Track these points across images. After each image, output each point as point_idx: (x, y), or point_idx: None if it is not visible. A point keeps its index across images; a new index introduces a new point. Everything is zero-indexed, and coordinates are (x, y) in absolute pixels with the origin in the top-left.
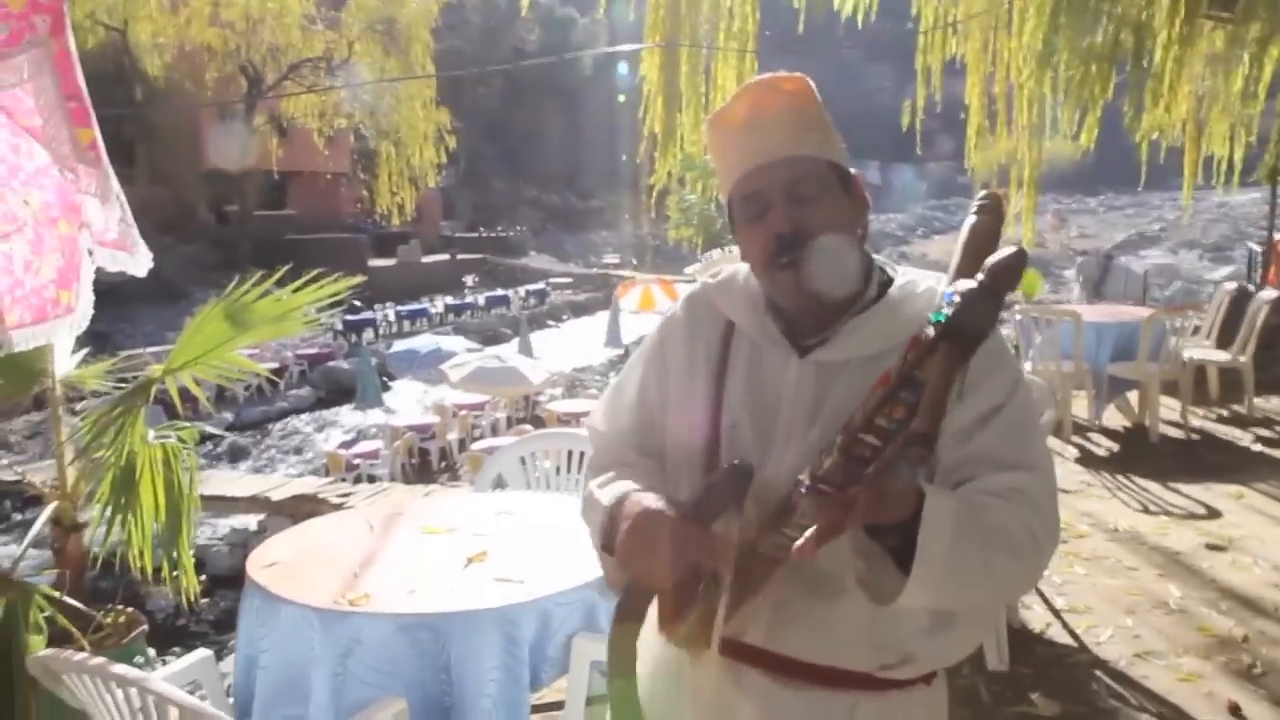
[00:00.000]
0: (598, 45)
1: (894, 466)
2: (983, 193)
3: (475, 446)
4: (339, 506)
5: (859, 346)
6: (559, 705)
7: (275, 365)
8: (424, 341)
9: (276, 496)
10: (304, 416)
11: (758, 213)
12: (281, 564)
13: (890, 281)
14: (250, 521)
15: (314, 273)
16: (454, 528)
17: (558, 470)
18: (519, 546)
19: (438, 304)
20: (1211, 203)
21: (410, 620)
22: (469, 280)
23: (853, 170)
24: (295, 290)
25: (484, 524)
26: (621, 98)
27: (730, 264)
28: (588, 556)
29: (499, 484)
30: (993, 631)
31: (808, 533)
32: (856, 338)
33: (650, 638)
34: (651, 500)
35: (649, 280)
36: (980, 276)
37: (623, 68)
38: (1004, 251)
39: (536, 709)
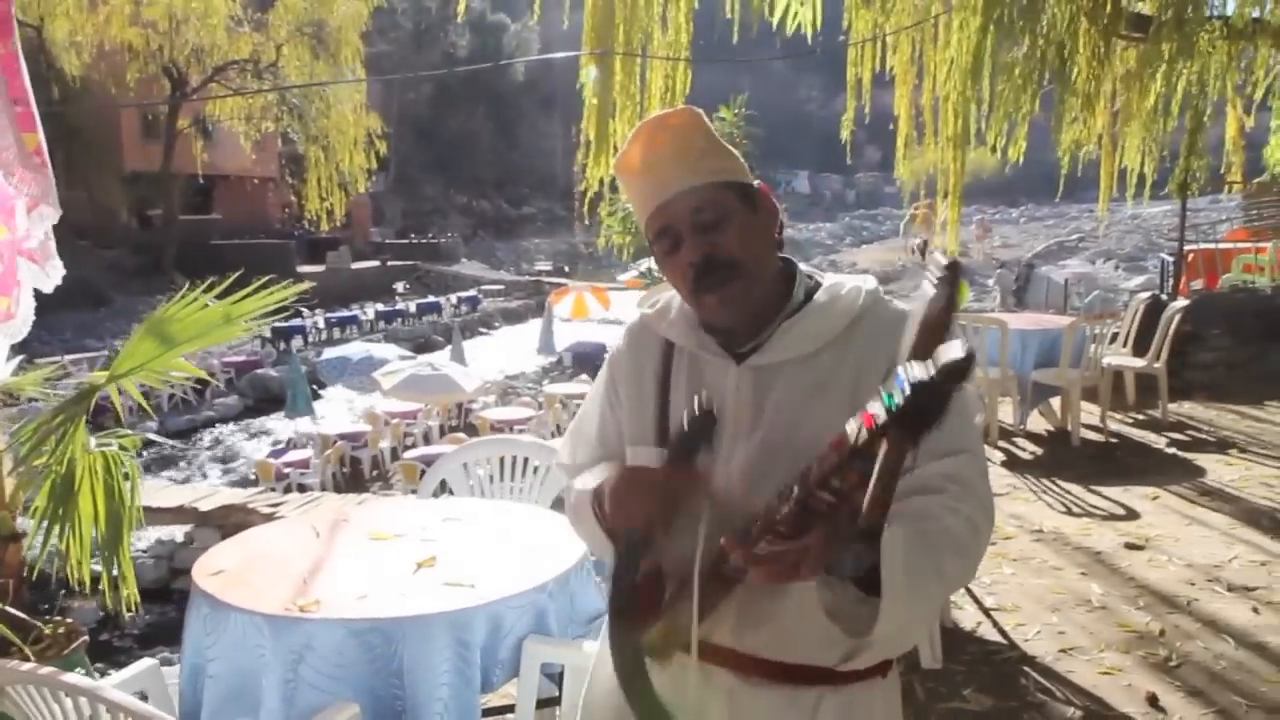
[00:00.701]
0: (529, 52)
1: (841, 558)
2: (944, 260)
3: (408, 455)
4: (270, 517)
5: (792, 349)
6: (509, 709)
7: (202, 373)
8: (355, 349)
9: (205, 507)
10: (231, 425)
11: (670, 246)
12: (228, 572)
13: (816, 286)
14: (177, 533)
15: (265, 278)
16: (401, 534)
17: (501, 477)
18: (467, 551)
19: (368, 311)
20: (1125, 214)
21: (362, 625)
22: (400, 287)
23: (755, 182)
24: (244, 296)
25: (431, 530)
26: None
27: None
28: (536, 561)
29: (442, 490)
30: (927, 632)
31: (768, 566)
32: (789, 340)
33: (603, 649)
34: (621, 464)
35: (582, 288)
36: (933, 371)
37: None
38: (956, 349)
39: (487, 712)
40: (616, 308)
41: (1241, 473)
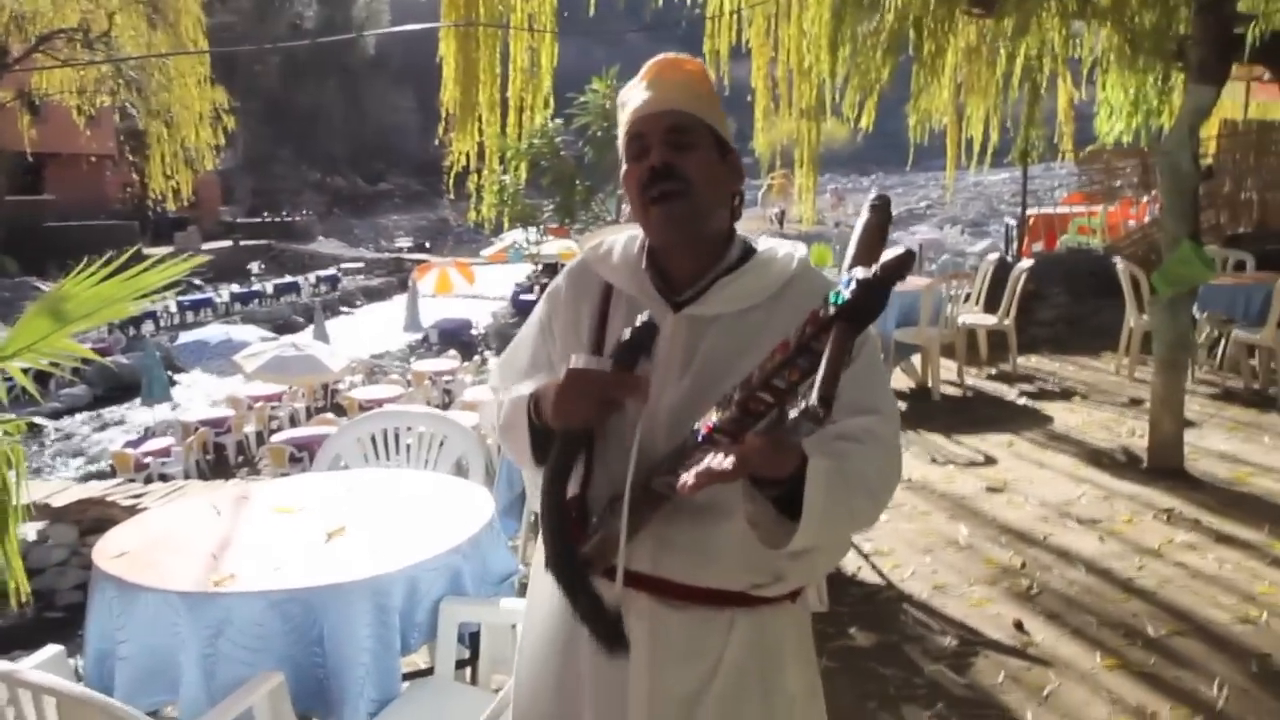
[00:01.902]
0: (380, 24)
1: (797, 423)
2: (874, 195)
3: (275, 438)
4: (131, 509)
5: (728, 303)
6: (428, 671)
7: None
8: (213, 332)
9: (58, 502)
10: (81, 416)
11: (638, 153)
12: (132, 553)
13: (752, 249)
14: (28, 531)
15: (160, 254)
16: (304, 507)
17: (397, 449)
18: (376, 519)
19: (223, 293)
20: (968, 182)
21: (281, 596)
22: (255, 267)
23: (732, 145)
24: (138, 273)
25: (336, 501)
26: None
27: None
28: (447, 524)
29: (336, 465)
30: (830, 567)
31: (695, 469)
32: (726, 294)
33: (538, 574)
34: (572, 361)
35: (445, 263)
36: (875, 269)
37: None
38: (896, 250)
39: (406, 675)
40: (481, 283)
41: (1083, 418)
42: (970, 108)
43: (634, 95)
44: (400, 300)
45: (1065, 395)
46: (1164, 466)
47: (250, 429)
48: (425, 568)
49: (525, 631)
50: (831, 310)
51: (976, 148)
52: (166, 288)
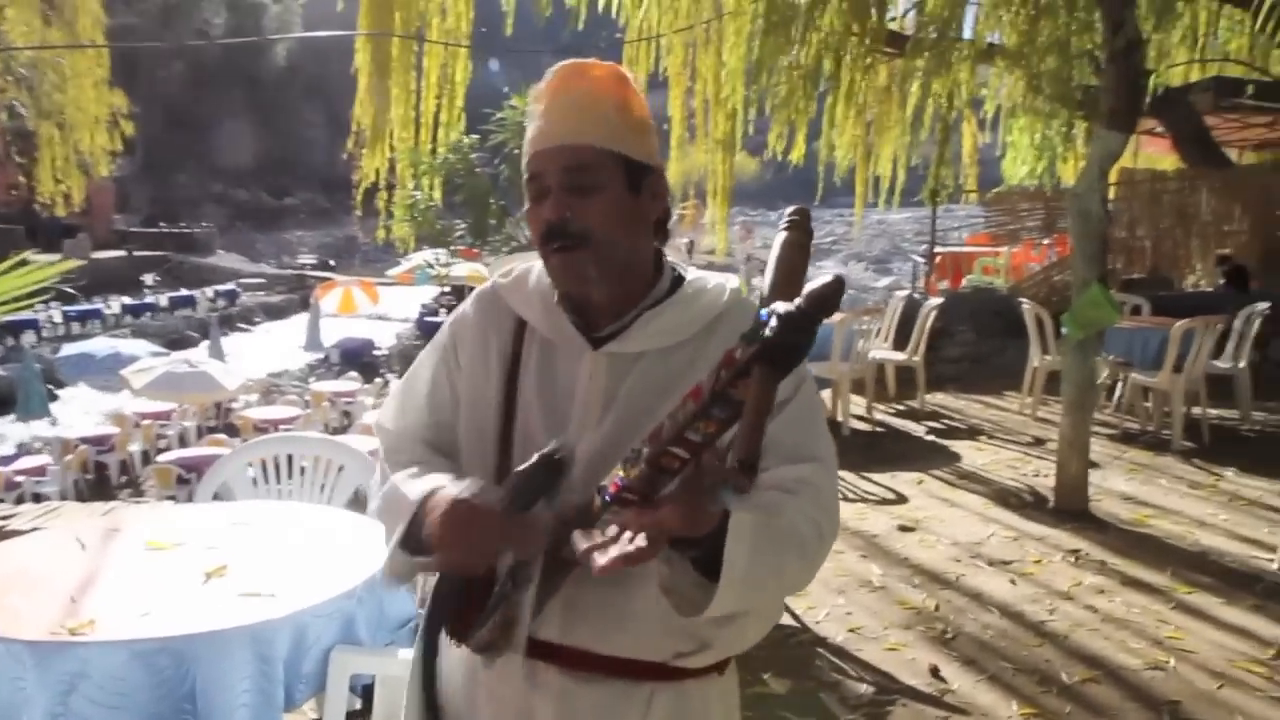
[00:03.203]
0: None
1: (716, 490)
2: (791, 208)
3: (162, 458)
4: None
5: (653, 339)
6: None
7: None
8: (100, 345)
9: None
10: None
11: (537, 194)
12: None
13: (681, 278)
14: None
15: (17, 256)
16: (183, 542)
17: (290, 476)
18: (262, 558)
19: (113, 304)
20: (872, 220)
21: (147, 646)
22: (149, 279)
23: (652, 165)
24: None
25: (218, 536)
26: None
27: (521, 261)
28: (341, 565)
29: (223, 494)
30: (761, 635)
31: (613, 551)
32: (650, 330)
33: (442, 643)
34: (464, 491)
35: (349, 282)
36: (799, 301)
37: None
38: (823, 278)
39: None
40: (386, 303)
41: (990, 457)
42: (879, 146)
43: (531, 117)
44: (301, 319)
45: (972, 433)
46: (1070, 508)
47: (135, 448)
48: (315, 613)
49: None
50: (750, 351)
51: (885, 185)
52: (28, 296)
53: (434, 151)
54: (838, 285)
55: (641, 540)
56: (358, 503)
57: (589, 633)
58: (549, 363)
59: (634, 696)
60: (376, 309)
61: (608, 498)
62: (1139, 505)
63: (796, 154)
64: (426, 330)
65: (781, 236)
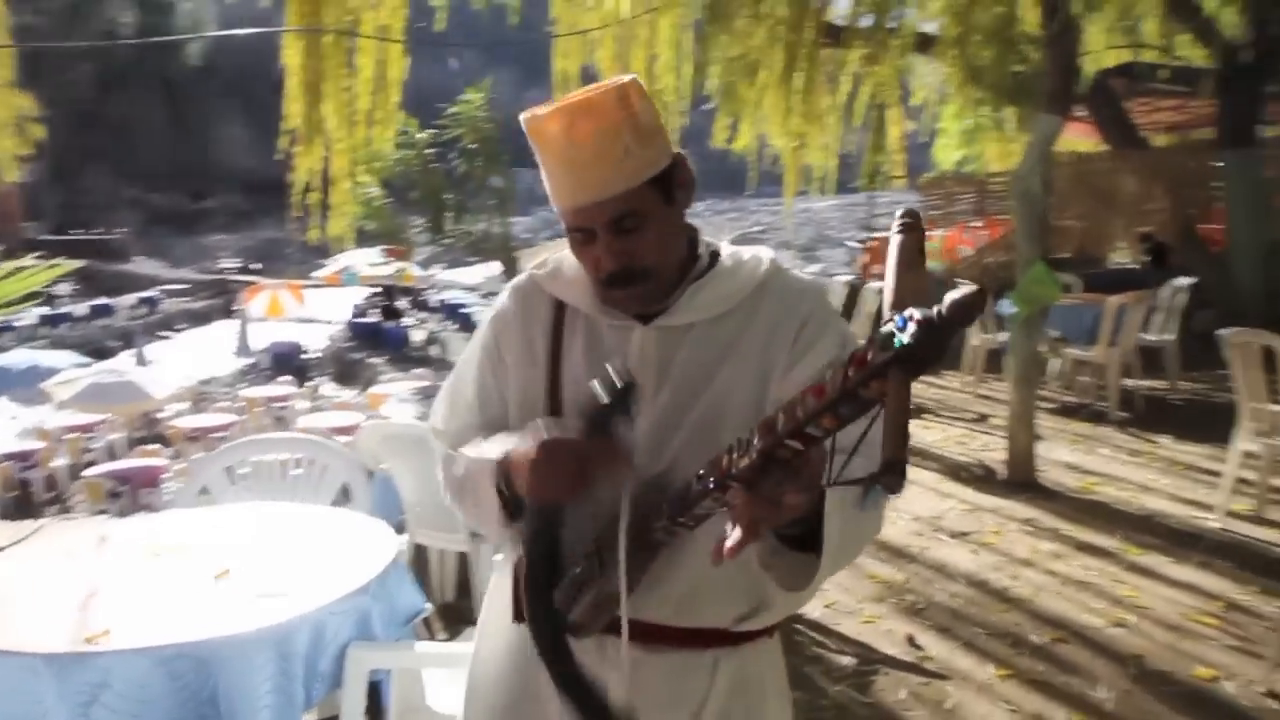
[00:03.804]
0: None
1: (866, 491)
2: (902, 209)
3: (91, 472)
4: None
5: (701, 311)
6: None
7: None
8: (17, 358)
9: None
10: None
11: (584, 240)
12: None
13: (717, 253)
14: None
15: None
16: (178, 547)
17: (272, 478)
18: (267, 559)
19: (27, 315)
20: (797, 207)
21: (169, 652)
22: (64, 288)
23: (676, 154)
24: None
25: (216, 539)
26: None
27: (552, 251)
28: (349, 562)
29: (203, 498)
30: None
31: (734, 534)
32: (697, 303)
33: (499, 624)
34: (545, 431)
35: (276, 285)
36: (942, 309)
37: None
38: (966, 289)
39: None
40: (314, 305)
41: (939, 434)
42: (812, 135)
43: (549, 160)
44: (226, 324)
45: (918, 412)
46: (1020, 479)
47: (61, 462)
48: (332, 610)
49: (477, 680)
50: (886, 355)
51: (817, 174)
52: (24, 299)
53: (368, 146)
54: (980, 297)
55: (755, 526)
56: (345, 500)
57: (658, 608)
58: (595, 341)
59: (700, 663)
60: (305, 312)
61: (711, 484)
62: (1084, 474)
63: (741, 143)
64: (358, 331)
65: (899, 239)
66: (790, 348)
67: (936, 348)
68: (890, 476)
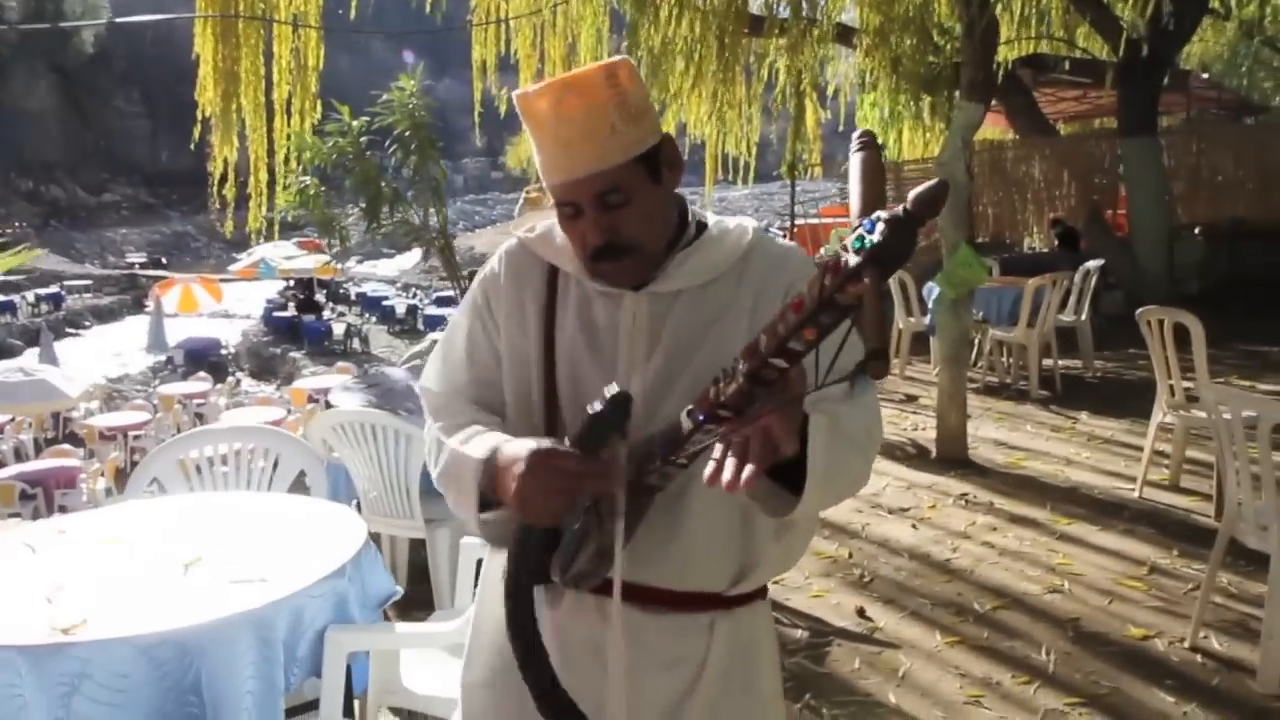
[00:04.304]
0: (97, 18)
1: (856, 380)
2: (859, 131)
3: (1, 474)
4: None
5: (690, 277)
6: (302, 709)
7: None
8: None
9: None
10: None
11: (572, 215)
12: None
13: (704, 223)
14: None
15: None
16: (136, 537)
17: (225, 468)
18: (233, 545)
19: None
20: (714, 198)
21: (150, 640)
22: None
23: (664, 134)
24: None
25: (174, 529)
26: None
27: (540, 217)
28: (319, 546)
29: (154, 490)
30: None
31: (732, 468)
32: (686, 270)
33: (496, 585)
34: (534, 442)
35: (189, 279)
36: (907, 205)
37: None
38: (928, 183)
39: (288, 713)
40: (229, 299)
41: None
42: (731, 124)
43: (540, 137)
44: (135, 320)
45: None
46: (952, 456)
47: None
48: (310, 594)
49: (474, 652)
50: (858, 257)
51: (740, 163)
52: None
53: (289, 137)
54: (943, 189)
55: (768, 448)
56: (300, 488)
57: (654, 569)
58: (586, 308)
59: (697, 625)
60: (220, 306)
61: (701, 418)
62: (1011, 450)
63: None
64: (275, 325)
65: (859, 156)
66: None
67: (907, 242)
68: (876, 362)
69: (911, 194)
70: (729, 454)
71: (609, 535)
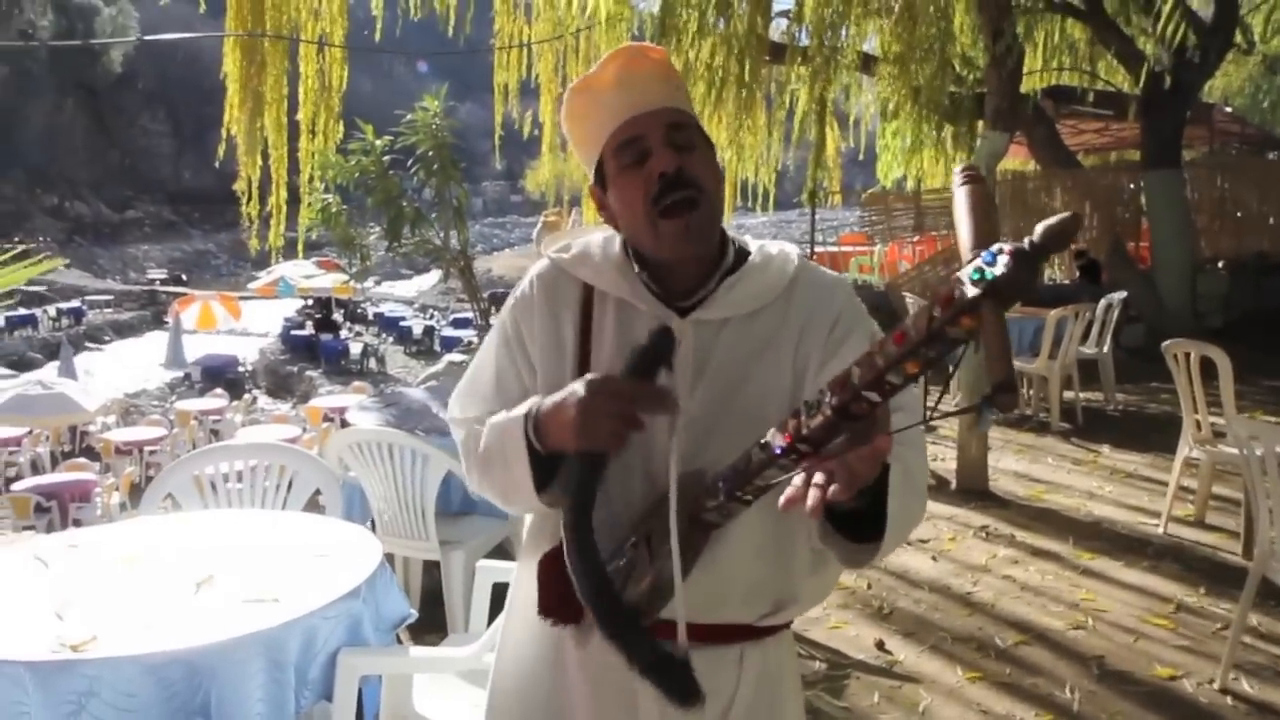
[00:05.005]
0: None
1: (981, 413)
2: (961, 165)
3: (17, 487)
4: None
5: (737, 306)
6: None
7: None
8: None
9: None
10: None
11: (637, 157)
12: None
13: (745, 249)
14: None
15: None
16: (152, 555)
17: (241, 486)
18: (249, 564)
19: None
20: (732, 224)
21: (159, 659)
22: None
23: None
24: None
25: (188, 546)
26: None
27: (572, 237)
28: (334, 566)
29: (169, 506)
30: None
31: (832, 491)
32: (733, 297)
33: (522, 621)
34: (582, 379)
35: (208, 296)
36: (1033, 238)
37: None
38: (1058, 216)
39: None
40: (247, 317)
41: None
42: (751, 151)
43: (604, 96)
44: (155, 336)
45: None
46: (972, 488)
47: None
48: (324, 615)
49: (501, 682)
50: (977, 290)
51: (761, 190)
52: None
53: (313, 156)
54: (1073, 221)
55: (839, 484)
56: (315, 507)
57: (692, 605)
58: (628, 330)
59: (728, 658)
60: (238, 324)
61: (778, 450)
62: (1032, 482)
63: None
64: (292, 344)
65: (965, 189)
66: (824, 344)
67: (1030, 276)
68: (1004, 395)
69: (1039, 226)
70: (811, 479)
71: (662, 570)
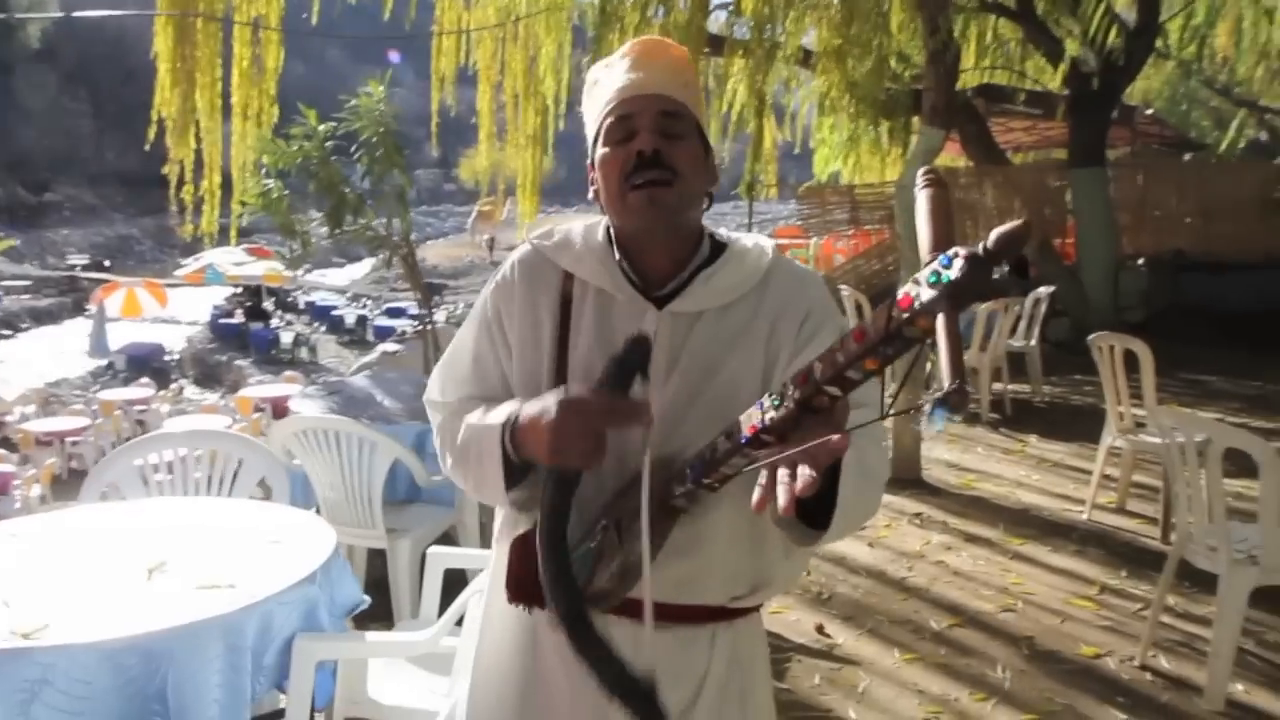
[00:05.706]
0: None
1: (932, 411)
2: (923, 169)
3: None
4: None
5: (712, 298)
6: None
7: None
8: None
9: None
10: None
11: (624, 136)
12: None
13: (722, 242)
14: None
15: None
16: (90, 541)
17: (184, 473)
18: (198, 551)
19: None
20: None
21: (116, 645)
22: None
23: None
24: None
25: (134, 533)
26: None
27: (554, 224)
28: (288, 552)
29: (111, 495)
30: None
31: (801, 484)
32: (709, 290)
33: (495, 607)
34: (558, 391)
35: (134, 283)
36: (987, 243)
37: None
38: (1010, 223)
39: None
40: (174, 305)
41: None
42: None
43: (614, 74)
44: (75, 323)
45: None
46: (906, 477)
47: None
48: (281, 600)
49: (481, 670)
50: (933, 292)
51: None
52: None
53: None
54: (1025, 229)
55: (806, 476)
56: (263, 496)
57: (668, 587)
58: (605, 319)
59: (700, 638)
60: (164, 311)
61: (743, 440)
62: (963, 471)
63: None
64: (221, 332)
65: (926, 193)
66: (795, 338)
67: (984, 280)
68: (957, 395)
69: (993, 233)
70: (779, 477)
71: (630, 553)
